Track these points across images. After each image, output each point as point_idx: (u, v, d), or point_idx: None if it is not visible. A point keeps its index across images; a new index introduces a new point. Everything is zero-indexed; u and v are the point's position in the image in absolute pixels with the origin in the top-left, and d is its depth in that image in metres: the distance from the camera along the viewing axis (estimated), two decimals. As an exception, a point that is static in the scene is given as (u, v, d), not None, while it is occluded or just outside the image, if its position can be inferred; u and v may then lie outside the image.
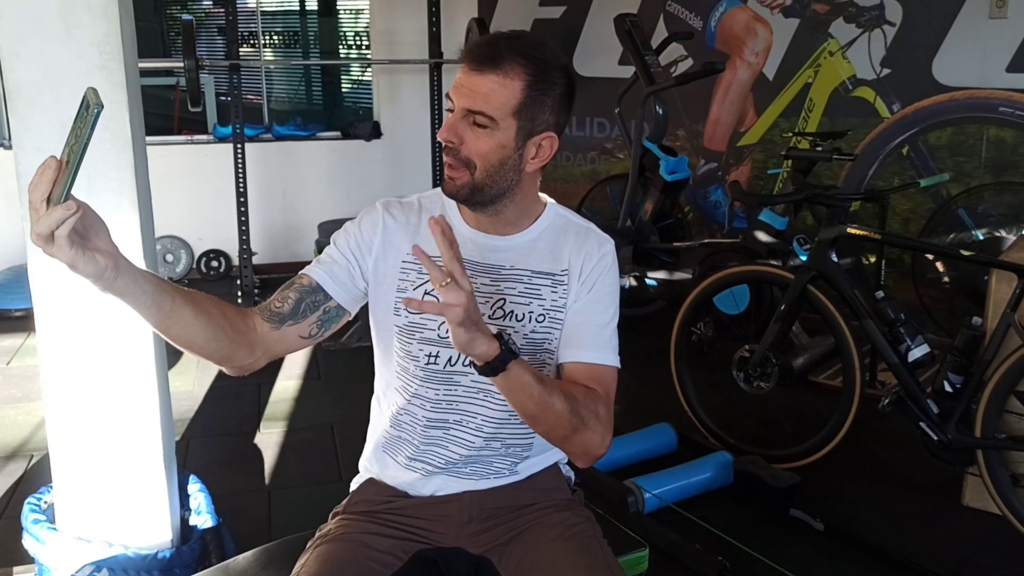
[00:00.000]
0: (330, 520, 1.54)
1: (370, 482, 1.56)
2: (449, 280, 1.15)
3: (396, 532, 1.48)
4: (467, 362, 1.41)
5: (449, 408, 1.46)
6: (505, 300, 1.42)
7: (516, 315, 1.43)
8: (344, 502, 1.57)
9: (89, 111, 0.99)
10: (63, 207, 1.01)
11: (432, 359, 1.43)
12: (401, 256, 1.44)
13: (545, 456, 1.54)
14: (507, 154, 1.34)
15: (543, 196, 1.50)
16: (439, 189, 1.49)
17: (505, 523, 1.49)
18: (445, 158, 1.36)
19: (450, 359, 1.43)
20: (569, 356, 1.42)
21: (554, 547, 1.43)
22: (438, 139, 1.37)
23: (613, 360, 1.42)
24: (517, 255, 1.44)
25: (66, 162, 1.02)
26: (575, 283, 1.44)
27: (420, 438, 1.48)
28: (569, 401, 1.30)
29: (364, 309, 1.50)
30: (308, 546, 1.47)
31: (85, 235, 1.07)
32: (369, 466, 1.57)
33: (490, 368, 1.22)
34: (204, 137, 5.77)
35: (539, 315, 1.43)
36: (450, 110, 1.35)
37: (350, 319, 1.46)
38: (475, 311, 1.18)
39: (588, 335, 1.42)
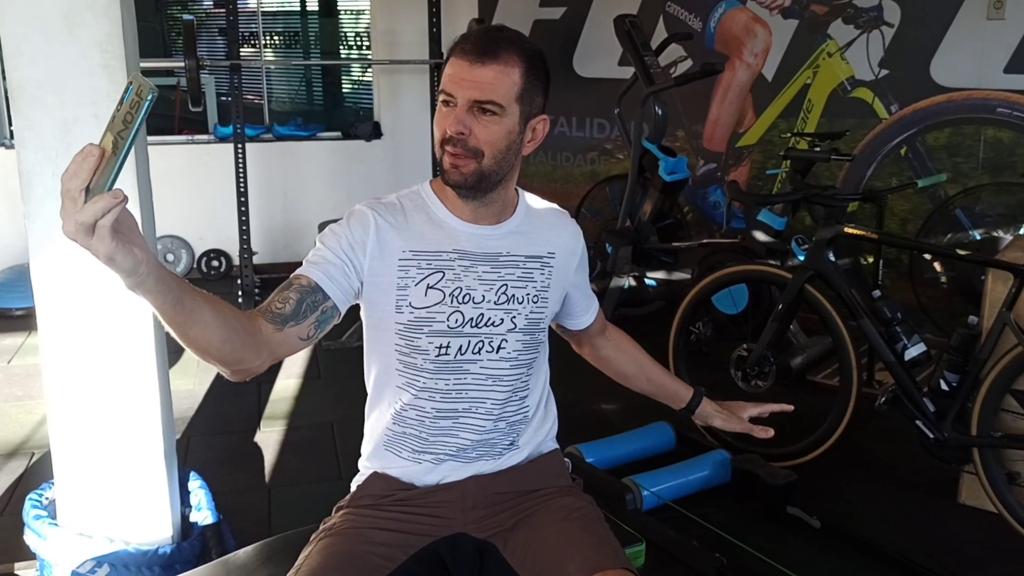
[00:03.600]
0: (334, 514, 1.56)
1: (374, 476, 1.57)
2: None
3: (400, 525, 1.49)
4: (477, 349, 1.46)
5: (459, 397, 1.49)
6: (507, 285, 1.49)
7: (517, 298, 1.50)
8: (348, 496, 1.59)
9: (143, 97, 0.95)
10: (110, 195, 0.96)
11: (443, 350, 1.46)
12: (397, 254, 1.45)
13: (540, 430, 1.61)
14: (512, 139, 1.41)
15: (518, 189, 1.57)
16: (417, 187, 1.53)
17: (509, 508, 1.52)
18: (450, 149, 1.38)
19: (460, 348, 1.47)
20: (588, 318, 1.70)
21: (559, 529, 1.46)
22: (448, 132, 1.37)
23: (597, 303, 1.73)
24: (511, 242, 1.51)
25: (111, 151, 0.97)
26: (568, 265, 1.58)
27: (429, 430, 1.50)
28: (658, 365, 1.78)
29: (354, 310, 1.51)
30: (311, 539, 1.49)
31: (119, 229, 1.01)
32: (370, 464, 1.58)
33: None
34: (205, 137, 5.79)
35: (534, 296, 1.52)
36: (446, 102, 1.38)
37: (339, 321, 1.46)
38: None
39: (589, 295, 1.69)
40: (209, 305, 1.22)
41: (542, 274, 1.53)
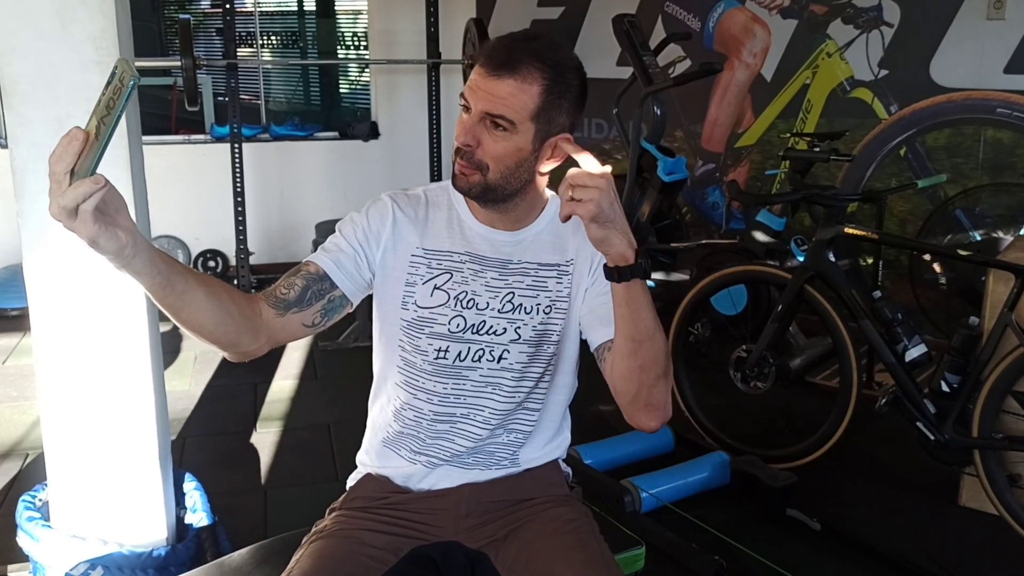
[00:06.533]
0: (327, 516, 1.54)
1: (368, 478, 1.55)
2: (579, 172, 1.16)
3: (392, 528, 1.47)
4: (477, 357, 1.43)
5: (457, 402, 1.46)
6: (514, 294, 1.44)
7: (525, 308, 1.44)
8: (341, 498, 1.57)
9: (124, 83, 0.95)
10: (91, 180, 0.98)
11: (441, 354, 1.44)
12: (410, 250, 1.44)
13: (545, 449, 1.55)
14: (523, 156, 1.35)
15: (549, 191, 1.51)
16: (444, 183, 1.50)
17: (502, 517, 1.49)
18: (458, 159, 1.36)
19: (459, 354, 1.44)
20: (600, 335, 1.42)
21: (551, 542, 1.43)
22: (455, 142, 1.36)
23: None
24: (524, 249, 1.46)
25: (94, 135, 0.98)
26: (585, 271, 1.45)
27: (426, 432, 1.48)
28: (665, 341, 1.32)
29: (360, 307, 1.50)
30: (304, 542, 1.47)
31: (105, 211, 1.03)
32: (368, 461, 1.57)
33: (616, 273, 1.23)
34: (202, 137, 5.76)
35: (546, 307, 1.45)
36: (465, 108, 1.34)
37: (351, 310, 1.46)
38: (610, 209, 1.18)
39: (608, 306, 1.45)
40: (204, 288, 1.22)
41: (559, 283, 1.46)
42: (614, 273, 1.23)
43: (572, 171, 1.17)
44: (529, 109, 1.32)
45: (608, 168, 1.19)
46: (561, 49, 1.37)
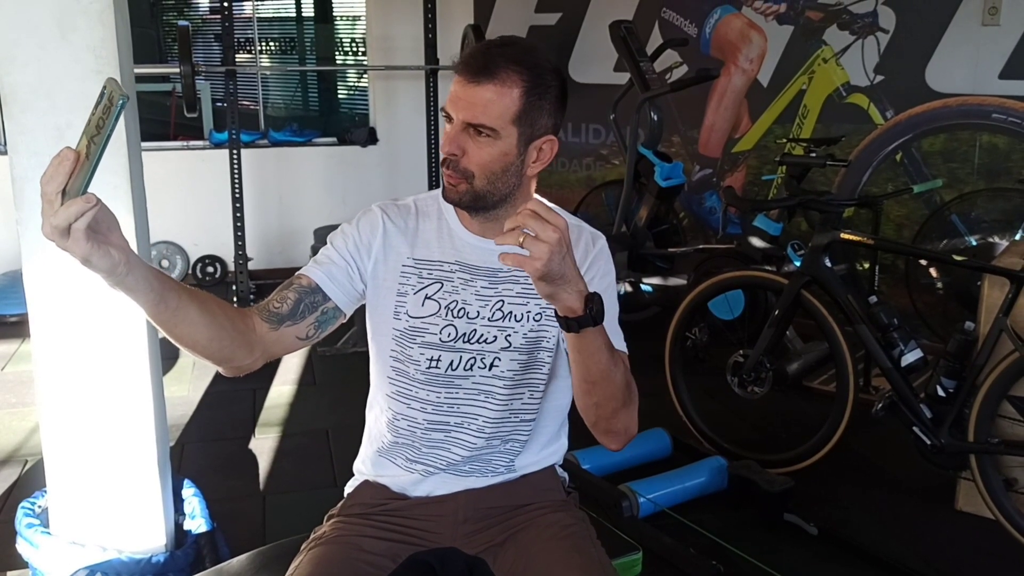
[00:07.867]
0: (325, 523, 1.55)
1: (365, 484, 1.56)
2: (528, 235, 1.09)
3: (390, 534, 1.48)
4: (469, 365, 1.44)
5: (450, 411, 1.47)
6: (504, 302, 1.44)
7: (515, 315, 1.45)
8: (339, 504, 1.58)
9: (113, 103, 0.96)
10: (83, 199, 0.99)
11: (434, 363, 1.44)
12: (401, 260, 1.45)
13: (541, 454, 1.56)
14: (510, 161, 1.36)
15: (536, 196, 1.51)
16: (435, 192, 1.50)
17: (500, 523, 1.50)
18: (444, 169, 1.37)
19: (451, 363, 1.44)
20: None
21: (549, 548, 1.44)
22: (441, 152, 1.39)
23: (624, 346, 1.43)
24: None
25: (85, 154, 0.99)
26: None
27: (421, 441, 1.49)
28: (625, 375, 1.30)
29: (359, 313, 1.51)
30: (302, 548, 1.48)
31: (98, 229, 1.04)
32: (365, 469, 1.58)
33: (565, 324, 1.20)
34: (200, 143, 5.78)
35: (536, 315, 1.45)
36: (448, 121, 1.36)
37: (344, 321, 1.47)
38: (560, 266, 1.11)
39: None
40: (197, 304, 1.23)
41: None
42: (563, 323, 1.20)
43: (524, 216, 1.10)
44: (511, 113, 1.33)
45: (562, 220, 1.11)
46: (537, 52, 1.37)
